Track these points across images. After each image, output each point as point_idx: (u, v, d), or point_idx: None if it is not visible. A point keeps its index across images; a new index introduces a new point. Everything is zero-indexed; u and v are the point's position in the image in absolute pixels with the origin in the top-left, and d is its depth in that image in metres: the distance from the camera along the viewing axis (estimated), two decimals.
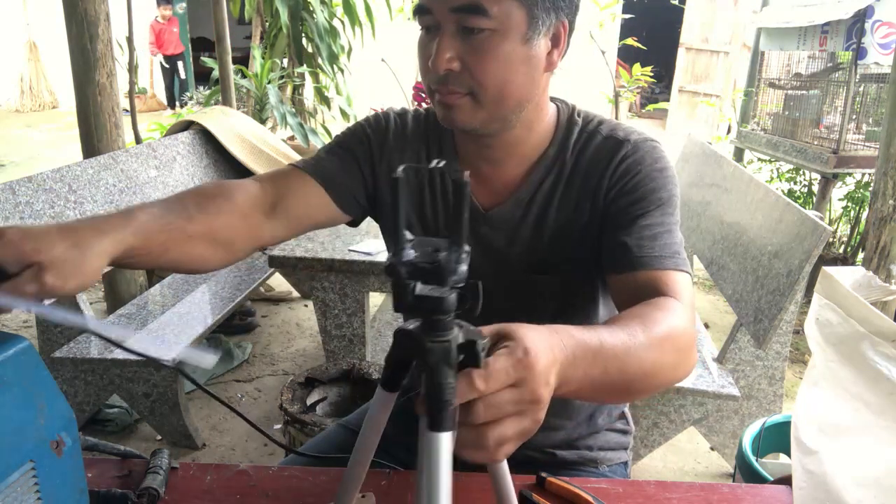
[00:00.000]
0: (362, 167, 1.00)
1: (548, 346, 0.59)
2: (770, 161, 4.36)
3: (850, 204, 3.96)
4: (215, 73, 4.03)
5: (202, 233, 0.84)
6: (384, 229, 1.08)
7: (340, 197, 0.98)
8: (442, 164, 0.57)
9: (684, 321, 0.78)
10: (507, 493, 0.71)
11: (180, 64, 10.72)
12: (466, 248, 0.55)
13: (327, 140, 5.56)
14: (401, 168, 0.55)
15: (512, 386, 0.56)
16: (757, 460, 1.64)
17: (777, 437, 1.75)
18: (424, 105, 2.86)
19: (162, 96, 10.96)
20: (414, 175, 1.01)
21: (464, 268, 0.55)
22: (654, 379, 0.73)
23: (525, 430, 0.57)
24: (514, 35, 0.82)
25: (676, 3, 5.37)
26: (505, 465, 0.71)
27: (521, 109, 0.90)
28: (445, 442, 0.54)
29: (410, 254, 0.56)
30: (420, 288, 0.55)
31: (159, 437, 2.34)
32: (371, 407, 0.66)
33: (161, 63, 10.54)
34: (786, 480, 0.89)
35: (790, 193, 4.21)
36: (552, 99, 0.98)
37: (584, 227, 0.95)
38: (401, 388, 0.65)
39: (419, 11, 0.85)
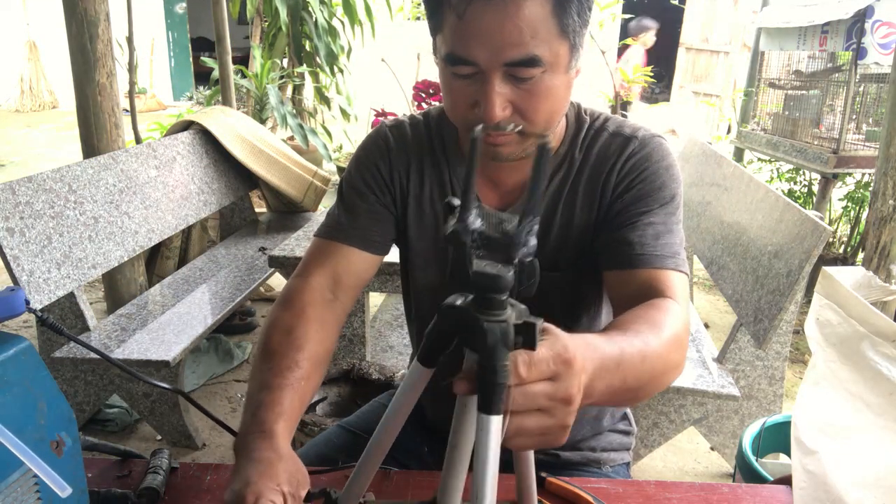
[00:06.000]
0: (384, 199, 0.99)
1: (582, 352, 0.59)
2: (770, 161, 4.36)
3: (850, 204, 3.96)
4: (215, 73, 4.03)
5: (314, 367, 0.85)
6: (405, 242, 1.06)
7: (380, 248, 0.99)
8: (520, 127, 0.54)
9: (683, 323, 0.80)
10: (528, 477, 0.70)
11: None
12: (538, 219, 0.52)
13: (327, 140, 5.55)
14: (479, 127, 0.53)
15: (549, 379, 0.55)
16: (757, 460, 1.64)
17: (777, 437, 1.75)
18: (425, 105, 2.86)
19: (162, 96, 10.95)
20: (405, 192, 1.00)
21: (534, 241, 0.52)
22: (661, 381, 0.75)
23: (547, 429, 0.56)
24: (560, 69, 0.80)
25: (676, 3, 5.37)
26: (529, 453, 0.69)
27: (557, 125, 0.90)
28: (496, 424, 0.52)
29: (477, 222, 0.52)
30: (476, 263, 0.52)
31: (159, 437, 2.34)
32: (405, 381, 0.63)
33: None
34: (786, 480, 0.89)
35: (790, 193, 4.21)
36: None
37: (591, 223, 0.95)
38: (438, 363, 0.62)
39: (457, 62, 0.79)
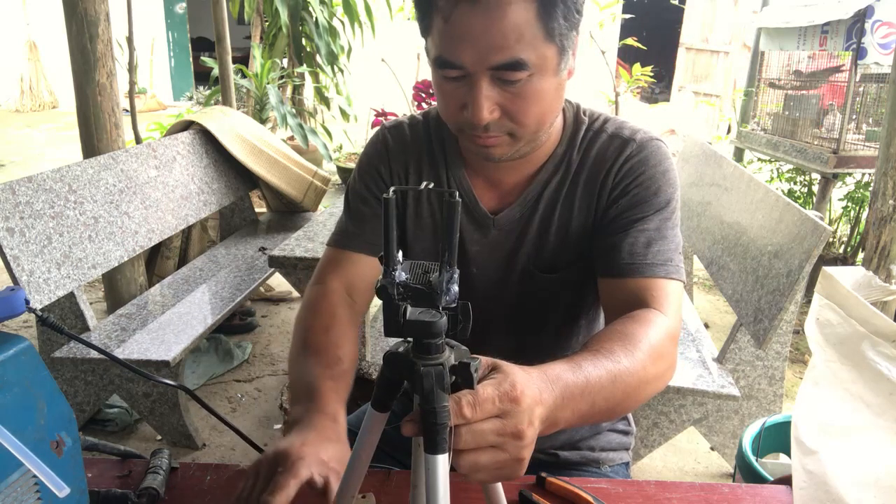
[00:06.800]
0: None
1: (535, 387, 0.61)
2: (770, 161, 4.36)
3: (850, 204, 3.95)
4: (215, 73, 4.03)
5: (351, 365, 0.92)
6: (404, 242, 1.07)
7: None
8: (432, 185, 0.57)
9: (666, 333, 0.81)
10: (497, 497, 0.71)
11: None
12: (457, 269, 0.55)
13: (327, 140, 5.55)
14: (391, 189, 0.55)
15: (497, 417, 0.57)
16: (757, 460, 1.64)
17: (777, 437, 1.75)
18: (425, 105, 2.86)
19: (162, 96, 10.94)
20: (404, 195, 1.01)
21: (455, 288, 0.55)
22: (639, 395, 0.76)
23: (503, 464, 0.58)
24: (548, 72, 0.80)
25: (676, 3, 5.37)
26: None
27: (551, 126, 0.90)
28: (442, 463, 0.54)
29: (402, 275, 0.55)
30: (411, 311, 0.55)
31: (159, 437, 2.34)
32: (362, 427, 0.66)
33: None
34: (786, 480, 0.89)
35: (790, 193, 4.21)
36: None
37: (589, 225, 0.95)
38: (391, 407, 0.65)
39: (444, 65, 0.80)
